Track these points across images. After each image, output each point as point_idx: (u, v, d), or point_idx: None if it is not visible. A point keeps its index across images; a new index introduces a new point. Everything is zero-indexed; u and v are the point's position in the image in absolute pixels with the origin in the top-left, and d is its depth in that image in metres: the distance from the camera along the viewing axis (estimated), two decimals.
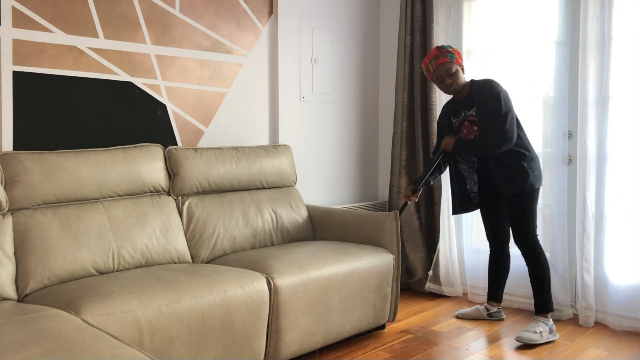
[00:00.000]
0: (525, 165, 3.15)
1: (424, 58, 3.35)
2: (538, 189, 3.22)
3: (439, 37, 3.99)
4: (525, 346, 3.08)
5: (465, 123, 3.24)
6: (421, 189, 3.41)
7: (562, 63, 3.54)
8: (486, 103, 3.14)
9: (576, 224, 3.45)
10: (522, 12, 3.72)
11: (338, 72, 4.17)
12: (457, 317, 3.54)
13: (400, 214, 3.31)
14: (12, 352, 1.59)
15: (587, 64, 3.38)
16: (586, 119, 3.40)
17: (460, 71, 3.23)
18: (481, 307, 3.55)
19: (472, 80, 3.29)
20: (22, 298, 2.37)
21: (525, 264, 3.28)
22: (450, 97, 3.48)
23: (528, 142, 3.23)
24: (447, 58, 3.19)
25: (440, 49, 3.23)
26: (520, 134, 3.20)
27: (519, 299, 3.73)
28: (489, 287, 3.53)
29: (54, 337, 1.72)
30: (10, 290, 2.35)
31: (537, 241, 3.25)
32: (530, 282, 3.27)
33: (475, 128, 3.21)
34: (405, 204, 3.48)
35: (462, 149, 3.27)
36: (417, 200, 3.54)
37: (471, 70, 4.00)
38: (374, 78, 4.47)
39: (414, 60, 4.07)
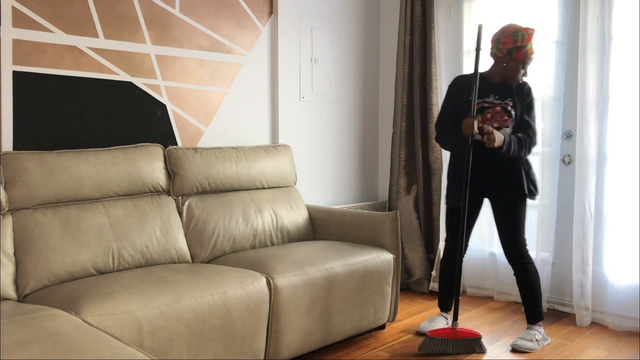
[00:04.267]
0: (525, 169, 3.09)
1: (529, 33, 2.98)
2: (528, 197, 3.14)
3: (439, 37, 3.99)
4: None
5: (496, 109, 3.05)
6: (477, 116, 3.04)
7: (561, 63, 3.54)
8: (533, 106, 3.11)
9: (574, 224, 3.45)
10: (522, 12, 3.71)
11: (338, 72, 4.17)
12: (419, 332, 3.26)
13: (471, 144, 3.01)
14: (12, 352, 1.59)
15: (586, 64, 3.38)
16: (585, 119, 3.40)
17: None
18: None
19: None
20: (22, 298, 2.37)
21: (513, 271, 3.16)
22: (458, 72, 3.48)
23: None
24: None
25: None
26: None
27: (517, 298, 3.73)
28: (445, 294, 3.31)
29: (54, 337, 1.72)
30: (10, 290, 2.35)
31: (527, 250, 3.12)
32: (521, 292, 3.15)
33: (506, 118, 3.04)
34: (472, 137, 3.03)
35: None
36: (479, 127, 3.02)
37: (471, 70, 3.99)
38: (374, 78, 4.47)
39: (413, 60, 4.07)
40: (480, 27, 3.00)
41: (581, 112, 3.41)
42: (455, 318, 3.05)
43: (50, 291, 2.34)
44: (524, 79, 3.12)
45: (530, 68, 3.08)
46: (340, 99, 4.20)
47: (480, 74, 3.06)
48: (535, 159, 3.67)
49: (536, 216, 3.66)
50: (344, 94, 4.22)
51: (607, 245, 3.42)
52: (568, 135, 3.57)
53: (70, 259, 2.50)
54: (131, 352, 1.65)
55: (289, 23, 3.81)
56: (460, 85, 3.15)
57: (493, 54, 3.09)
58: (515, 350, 3.04)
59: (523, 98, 3.10)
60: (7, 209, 2.48)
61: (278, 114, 3.77)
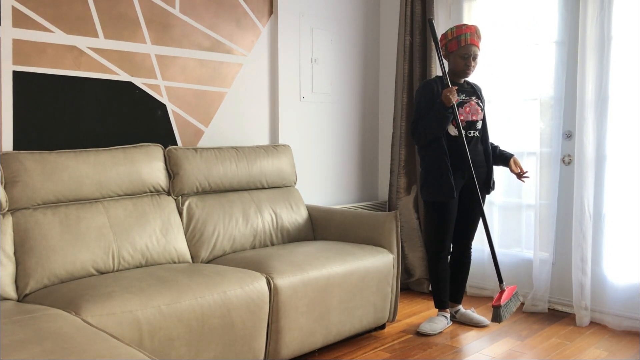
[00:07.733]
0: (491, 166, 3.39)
1: (459, 26, 3.25)
2: None
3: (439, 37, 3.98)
4: (525, 346, 3.08)
5: (472, 102, 3.26)
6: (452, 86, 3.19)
7: (561, 63, 3.54)
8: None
9: (574, 224, 3.45)
10: (522, 12, 3.72)
11: (338, 72, 4.17)
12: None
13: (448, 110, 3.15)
14: (12, 352, 1.59)
15: (586, 64, 3.38)
16: (585, 119, 3.40)
17: None
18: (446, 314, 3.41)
19: None
20: (22, 298, 2.38)
21: (458, 261, 3.47)
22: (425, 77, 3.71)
23: None
24: (479, 43, 3.25)
25: (478, 30, 3.26)
26: None
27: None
28: (442, 293, 3.40)
29: (54, 337, 1.72)
30: (10, 290, 2.35)
31: None
32: (459, 278, 3.46)
33: (481, 112, 3.30)
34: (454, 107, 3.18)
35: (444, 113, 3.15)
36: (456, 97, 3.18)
37: None
38: (374, 78, 4.47)
39: (413, 60, 4.07)
40: (430, 21, 3.37)
41: (580, 112, 3.41)
42: (500, 280, 3.25)
43: (50, 291, 2.34)
44: (471, 75, 3.32)
45: (475, 60, 3.23)
46: (340, 99, 4.20)
47: (440, 79, 3.30)
48: (535, 159, 3.68)
49: (534, 216, 3.66)
50: (344, 94, 4.22)
51: (606, 245, 3.42)
52: (568, 135, 3.57)
53: (70, 259, 2.50)
54: (131, 352, 1.65)
55: (289, 23, 3.81)
56: (433, 87, 3.27)
57: (443, 56, 3.32)
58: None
59: (482, 98, 3.38)
60: (7, 209, 2.48)
61: (278, 114, 3.77)
